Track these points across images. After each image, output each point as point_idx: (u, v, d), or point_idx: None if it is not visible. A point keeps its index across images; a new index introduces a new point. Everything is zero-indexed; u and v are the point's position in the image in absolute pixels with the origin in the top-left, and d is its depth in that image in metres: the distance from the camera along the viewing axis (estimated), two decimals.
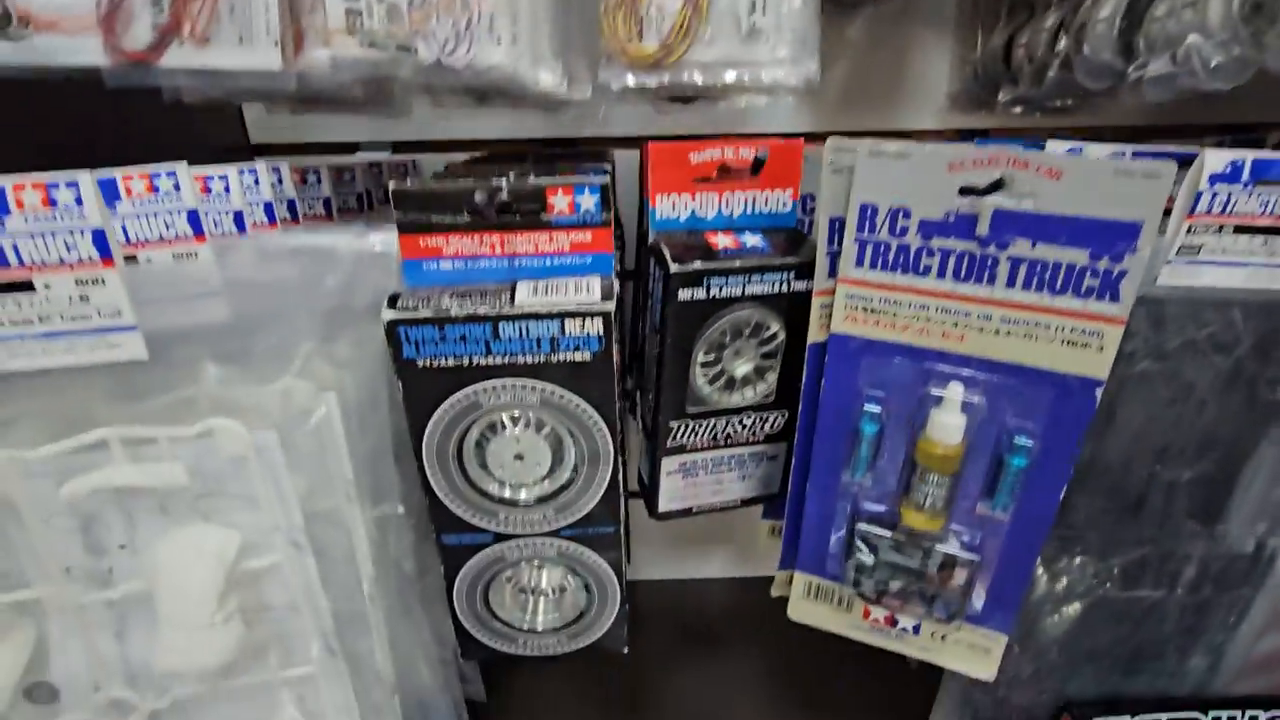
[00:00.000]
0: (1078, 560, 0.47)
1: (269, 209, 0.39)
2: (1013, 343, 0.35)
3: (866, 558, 0.42)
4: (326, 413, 0.34)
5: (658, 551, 0.77)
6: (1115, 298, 0.33)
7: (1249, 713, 0.51)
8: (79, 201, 0.26)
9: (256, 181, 0.37)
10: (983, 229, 0.34)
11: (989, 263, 0.34)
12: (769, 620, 0.67)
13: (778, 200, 0.42)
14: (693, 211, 0.41)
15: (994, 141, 0.39)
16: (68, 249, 0.26)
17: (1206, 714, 0.51)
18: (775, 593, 0.50)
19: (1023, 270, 0.34)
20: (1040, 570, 0.47)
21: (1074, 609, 0.49)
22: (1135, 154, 0.42)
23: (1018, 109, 0.58)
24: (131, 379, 0.31)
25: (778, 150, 0.40)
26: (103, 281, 0.27)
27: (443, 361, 0.35)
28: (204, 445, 0.31)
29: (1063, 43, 0.50)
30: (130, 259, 0.34)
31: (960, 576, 0.40)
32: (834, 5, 0.57)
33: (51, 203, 0.26)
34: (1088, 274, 0.33)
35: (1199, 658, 0.52)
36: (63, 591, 0.32)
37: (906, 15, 0.60)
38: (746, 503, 0.49)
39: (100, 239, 0.26)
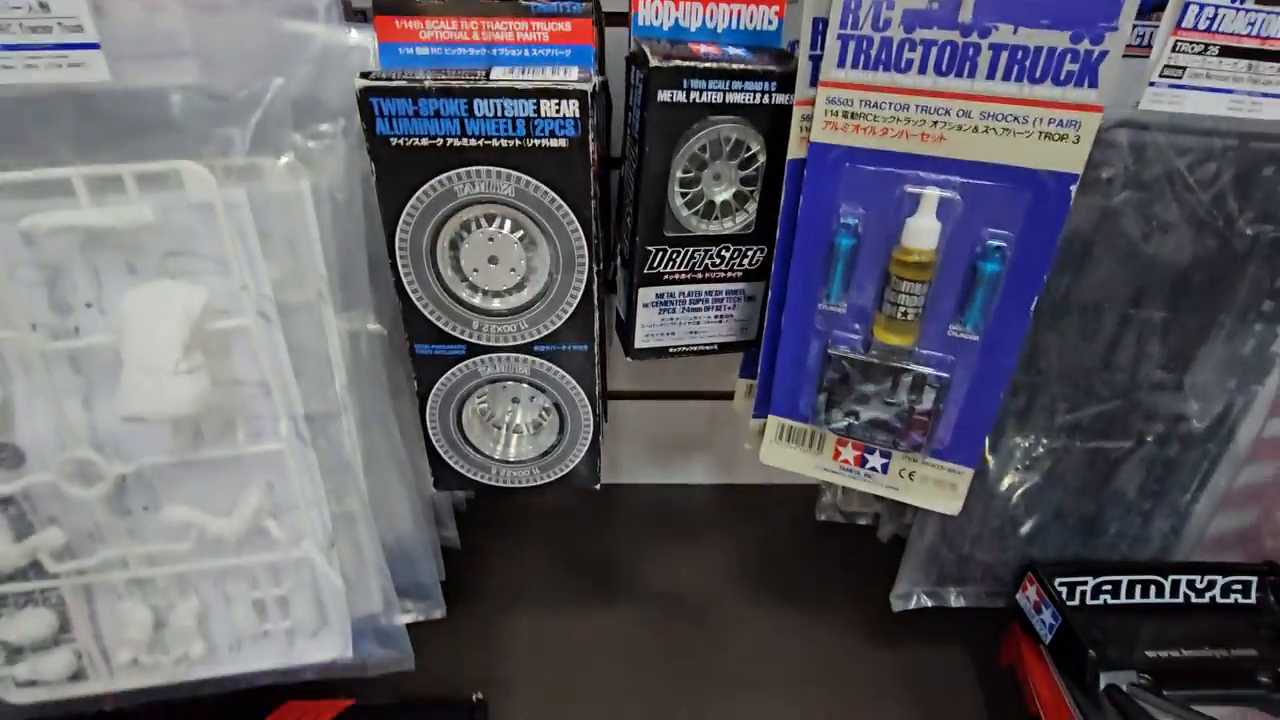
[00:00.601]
0: (1045, 411, 0.47)
1: None
2: (991, 140, 0.35)
3: (838, 384, 0.42)
4: (299, 192, 0.34)
5: (640, 455, 0.78)
6: (1094, 83, 0.32)
7: (1207, 577, 0.52)
8: None
9: None
10: (966, 15, 0.33)
11: (971, 52, 0.34)
12: (747, 520, 0.69)
13: (763, 16, 0.41)
14: (676, 20, 0.40)
15: None
16: None
17: (1166, 578, 0.52)
18: (747, 445, 0.50)
19: (1004, 59, 0.33)
20: (1008, 422, 0.48)
21: (1040, 463, 0.49)
22: None
23: None
24: (98, 125, 0.31)
25: None
26: None
27: (416, 141, 0.35)
28: (172, 197, 0.31)
29: None
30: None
31: (929, 398, 0.40)
32: None
33: None
34: (1067, 58, 0.32)
35: (1161, 521, 0.53)
36: (26, 339, 0.31)
37: None
38: (723, 348, 0.49)
39: None
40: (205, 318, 0.32)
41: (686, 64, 0.37)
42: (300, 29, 0.37)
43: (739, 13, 0.41)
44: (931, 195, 0.36)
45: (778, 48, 0.42)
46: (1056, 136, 0.34)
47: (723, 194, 0.43)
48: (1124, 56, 0.33)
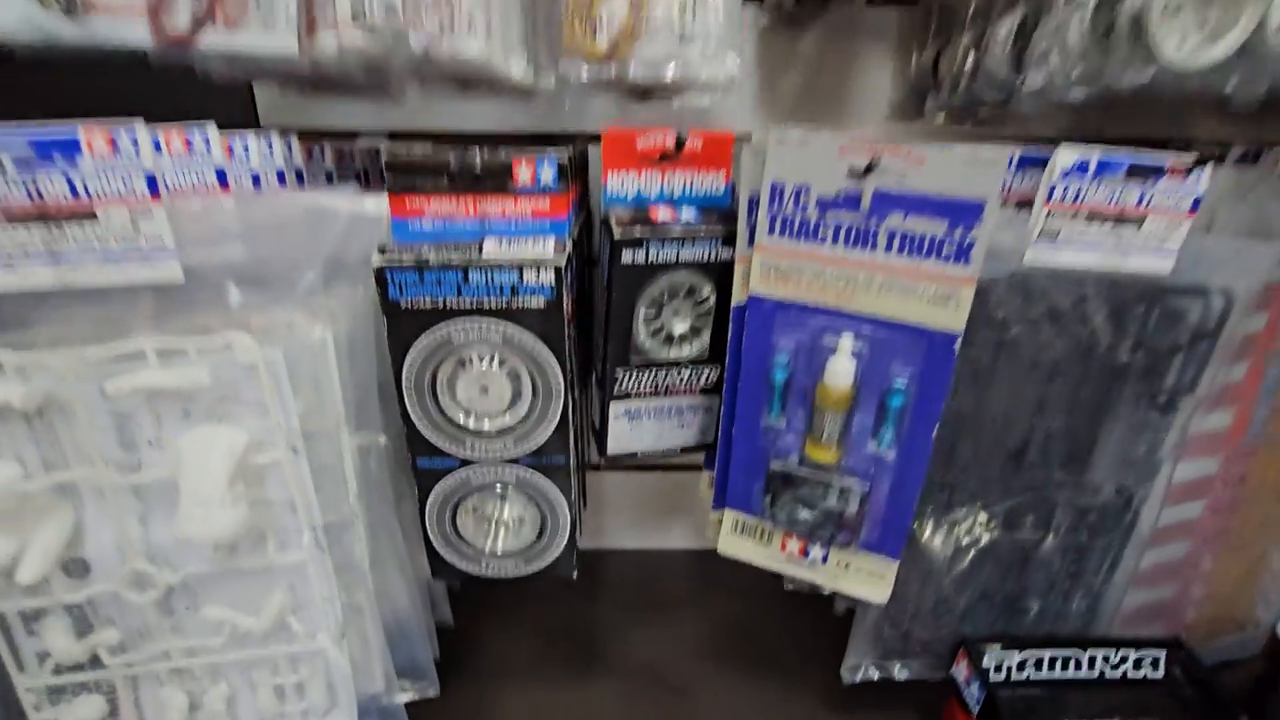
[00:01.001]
0: (967, 506, 0.54)
1: (280, 175, 0.46)
2: (890, 300, 0.43)
3: (779, 490, 0.49)
4: (324, 342, 0.42)
5: (622, 522, 0.84)
6: (967, 262, 0.40)
7: (1121, 652, 0.58)
8: (135, 147, 0.33)
9: (271, 149, 0.45)
10: (865, 205, 0.41)
11: (870, 232, 0.42)
12: (721, 588, 0.75)
13: (712, 182, 0.49)
14: (639, 190, 0.48)
15: None
16: (125, 186, 0.34)
17: (1084, 652, 0.58)
18: (709, 532, 0.57)
19: (896, 239, 0.41)
20: (936, 516, 0.55)
21: (966, 550, 0.56)
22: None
23: (941, 119, 0.66)
24: (167, 301, 0.38)
25: (711, 140, 0.48)
26: (151, 215, 0.34)
27: (421, 303, 0.43)
28: (223, 357, 0.38)
29: (971, 59, 0.59)
30: None
31: (854, 503, 0.47)
32: (785, 25, 0.66)
33: (115, 149, 0.33)
34: (946, 242, 0.40)
35: (1079, 600, 0.60)
36: (99, 474, 0.39)
37: (853, 32, 0.68)
38: (686, 450, 0.56)
39: (151, 181, 0.34)
40: (246, 455, 0.39)
41: (645, 232, 0.45)
42: (328, 204, 0.45)
43: (692, 180, 0.49)
44: (846, 343, 0.44)
45: (725, 207, 0.50)
46: (940, 301, 0.41)
47: (680, 327, 0.51)
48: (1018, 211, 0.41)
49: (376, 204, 0.46)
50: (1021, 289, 0.47)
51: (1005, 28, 0.53)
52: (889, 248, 0.42)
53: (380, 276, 0.42)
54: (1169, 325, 0.50)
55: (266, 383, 0.38)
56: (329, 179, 0.53)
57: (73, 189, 0.33)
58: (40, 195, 0.33)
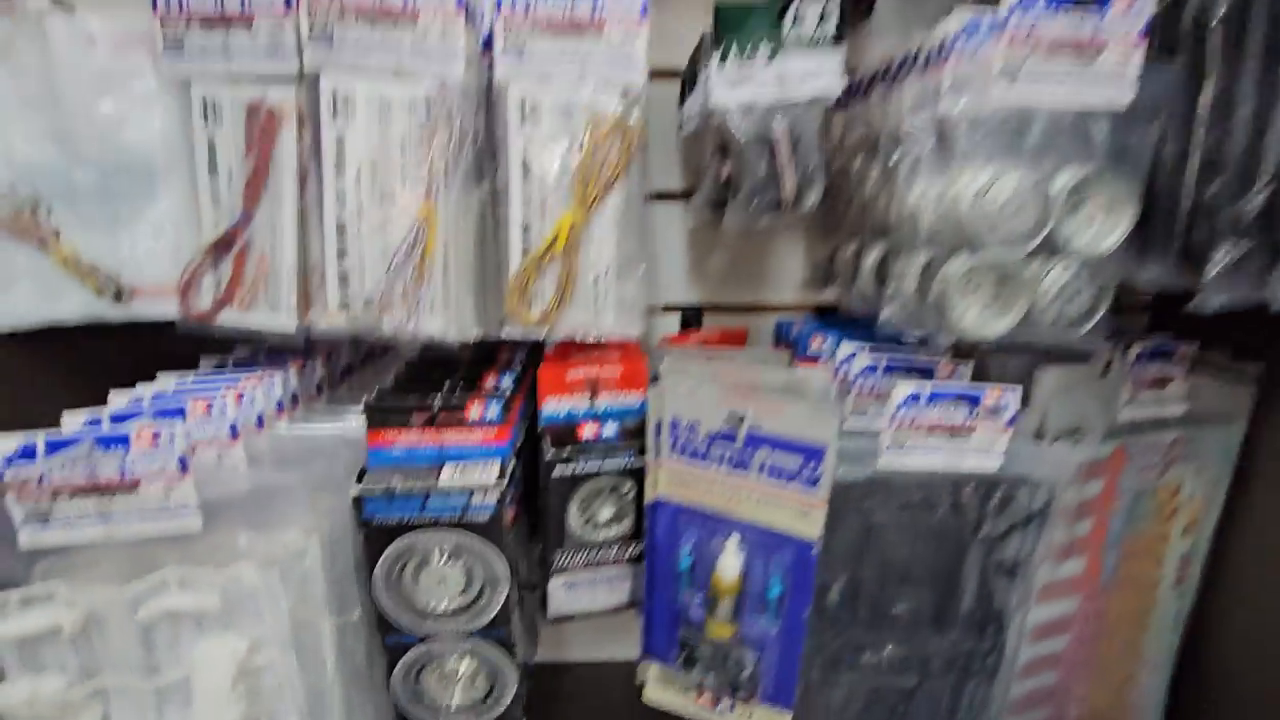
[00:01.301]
0: (851, 659, 0.65)
1: (279, 405, 0.57)
2: (765, 511, 0.54)
3: (689, 654, 0.59)
4: (311, 554, 0.52)
5: (578, 635, 0.93)
6: (817, 488, 0.52)
7: None
8: (171, 441, 0.44)
9: (273, 386, 0.56)
10: (739, 441, 0.53)
11: (746, 461, 0.53)
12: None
13: (631, 399, 0.61)
14: (570, 410, 0.60)
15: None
16: (162, 468, 0.44)
17: None
18: (638, 679, 0.66)
19: (766, 467, 0.53)
20: (824, 669, 0.65)
21: (856, 694, 0.66)
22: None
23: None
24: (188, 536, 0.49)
25: (630, 367, 0.60)
26: (181, 486, 0.45)
27: (390, 520, 0.53)
28: (230, 583, 0.49)
29: (851, 269, 0.72)
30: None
31: (749, 667, 0.58)
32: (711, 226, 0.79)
33: (155, 441, 0.44)
34: (801, 473, 0.52)
35: None
36: (127, 680, 0.48)
37: (774, 230, 0.81)
38: (618, 610, 0.67)
39: (183, 462, 0.45)
40: (248, 658, 0.49)
41: (572, 452, 0.57)
42: (319, 435, 0.56)
43: (614, 398, 0.60)
44: (732, 543, 0.55)
45: (642, 418, 0.61)
46: (801, 516, 0.53)
47: (607, 514, 0.61)
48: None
49: (357, 429, 0.57)
50: (881, 486, 0.59)
51: (872, 256, 0.66)
52: (760, 472, 0.53)
53: (358, 502, 0.52)
54: (1004, 509, 0.61)
55: (266, 603, 0.49)
56: (319, 388, 0.64)
57: (123, 472, 0.44)
58: (97, 474, 0.44)
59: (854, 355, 0.60)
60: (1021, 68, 0.48)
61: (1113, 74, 0.48)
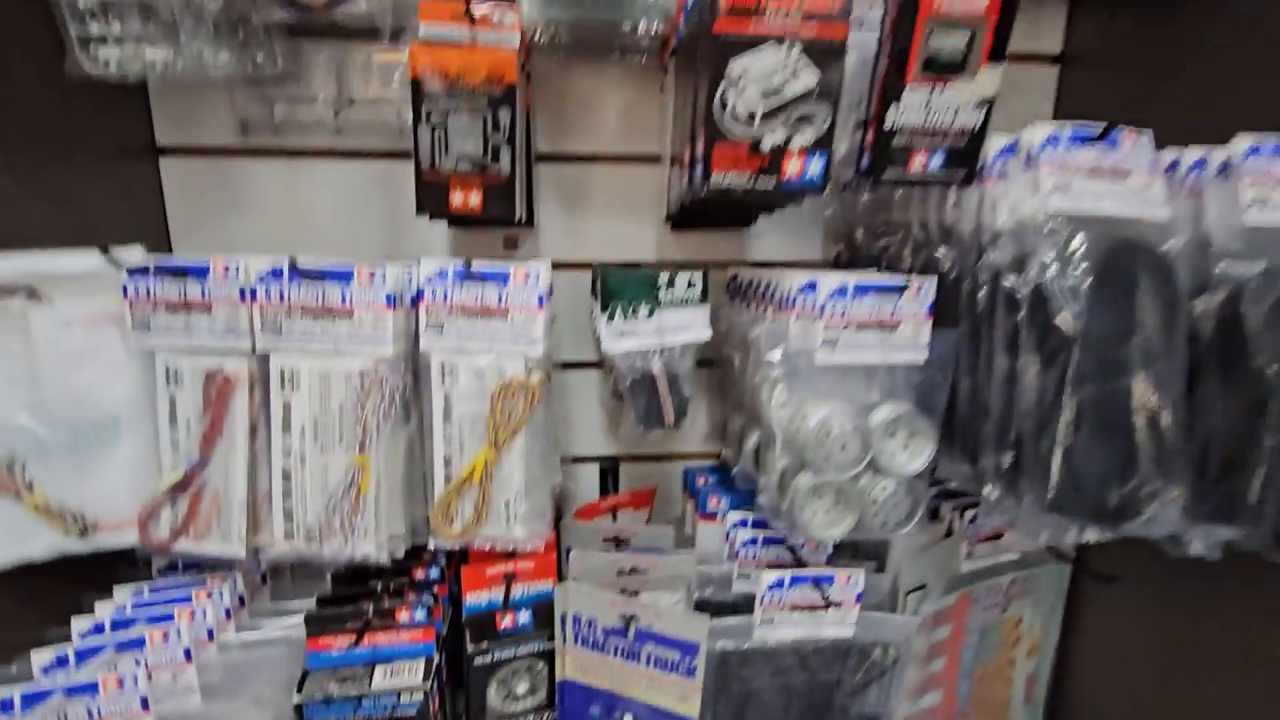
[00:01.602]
0: None
1: (228, 611, 0.65)
2: (654, 694, 0.64)
3: None
4: None
5: None
6: (693, 677, 0.62)
7: None
8: (135, 683, 0.52)
9: (230, 587, 0.64)
10: (630, 637, 0.63)
11: (636, 653, 0.63)
12: None
13: (543, 586, 0.71)
14: (489, 600, 0.69)
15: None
16: (126, 709, 0.52)
17: None
18: None
19: (653, 659, 0.63)
20: None
21: None
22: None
23: None
24: None
25: (541, 560, 0.70)
26: None
27: (330, 718, 0.61)
28: None
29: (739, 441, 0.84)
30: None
31: None
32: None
33: (121, 686, 0.52)
34: (681, 664, 0.62)
35: None
36: None
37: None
38: None
39: (144, 701, 0.52)
40: None
41: (489, 645, 0.66)
42: (260, 641, 0.63)
43: (529, 587, 0.70)
44: (628, 719, 0.65)
45: (550, 604, 0.71)
46: (682, 699, 0.63)
47: (523, 688, 0.70)
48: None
49: (298, 631, 0.65)
50: (756, 655, 0.70)
51: (751, 440, 0.78)
52: (648, 663, 0.64)
53: (299, 709, 0.60)
54: (860, 668, 0.73)
55: None
56: (263, 579, 0.72)
57: (89, 715, 0.51)
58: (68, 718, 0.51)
59: (740, 524, 0.72)
60: (839, 339, 0.61)
61: (909, 342, 0.62)
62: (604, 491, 0.92)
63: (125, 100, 0.70)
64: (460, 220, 0.73)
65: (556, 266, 0.80)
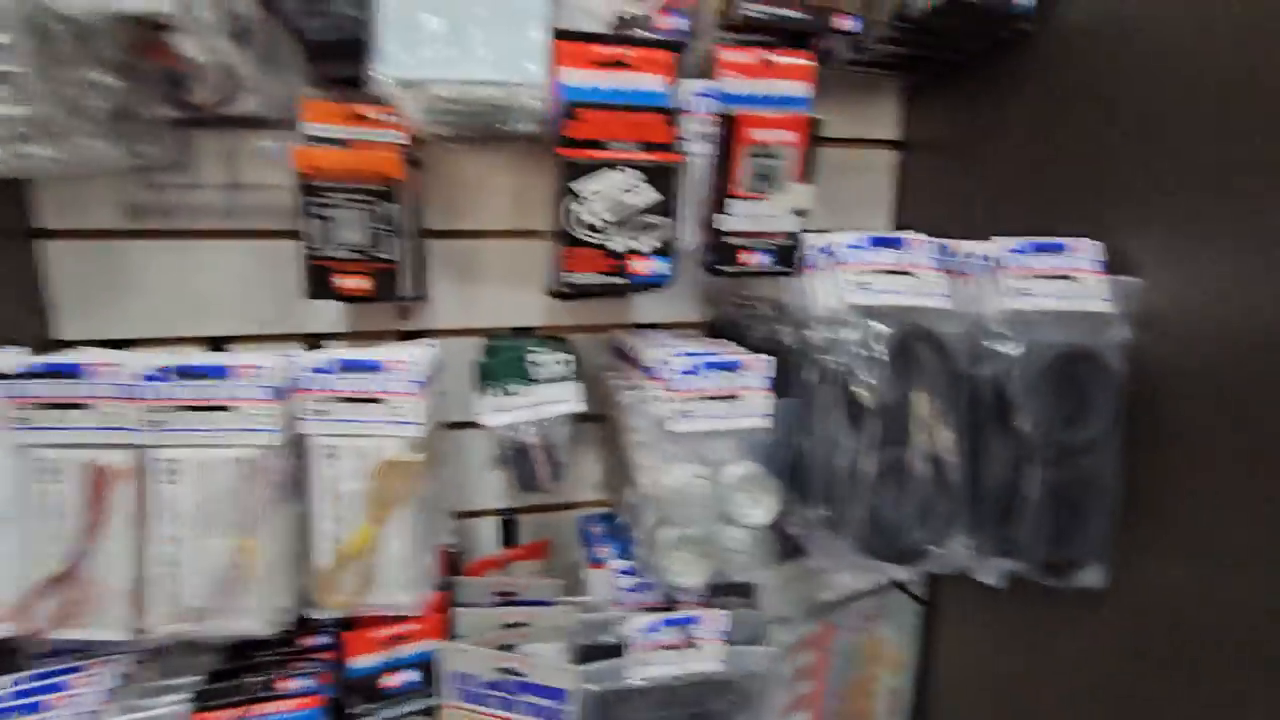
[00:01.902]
0: None
1: (110, 693, 0.66)
2: None
3: None
4: None
5: None
6: None
7: None
8: None
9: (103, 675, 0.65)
10: (506, 690, 0.69)
11: (513, 704, 0.69)
12: None
13: (431, 644, 0.75)
14: (376, 662, 0.73)
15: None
16: None
17: None
18: None
19: (530, 706, 0.69)
20: None
21: None
22: None
23: None
24: None
25: (428, 621, 0.74)
26: None
27: None
28: None
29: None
30: None
31: None
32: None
33: None
34: (556, 711, 0.68)
35: None
36: None
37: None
38: None
39: None
40: None
41: (372, 706, 0.70)
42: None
43: (416, 646, 0.74)
44: None
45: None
46: None
47: None
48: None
49: (185, 708, 0.67)
50: (632, 695, 0.76)
51: (628, 491, 0.85)
52: (525, 712, 0.69)
53: None
54: (728, 698, 0.81)
55: None
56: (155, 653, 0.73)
57: None
58: None
59: (625, 572, 0.79)
60: (692, 410, 0.69)
61: (753, 410, 0.71)
62: (507, 543, 0.97)
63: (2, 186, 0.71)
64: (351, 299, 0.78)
65: (450, 333, 0.86)
